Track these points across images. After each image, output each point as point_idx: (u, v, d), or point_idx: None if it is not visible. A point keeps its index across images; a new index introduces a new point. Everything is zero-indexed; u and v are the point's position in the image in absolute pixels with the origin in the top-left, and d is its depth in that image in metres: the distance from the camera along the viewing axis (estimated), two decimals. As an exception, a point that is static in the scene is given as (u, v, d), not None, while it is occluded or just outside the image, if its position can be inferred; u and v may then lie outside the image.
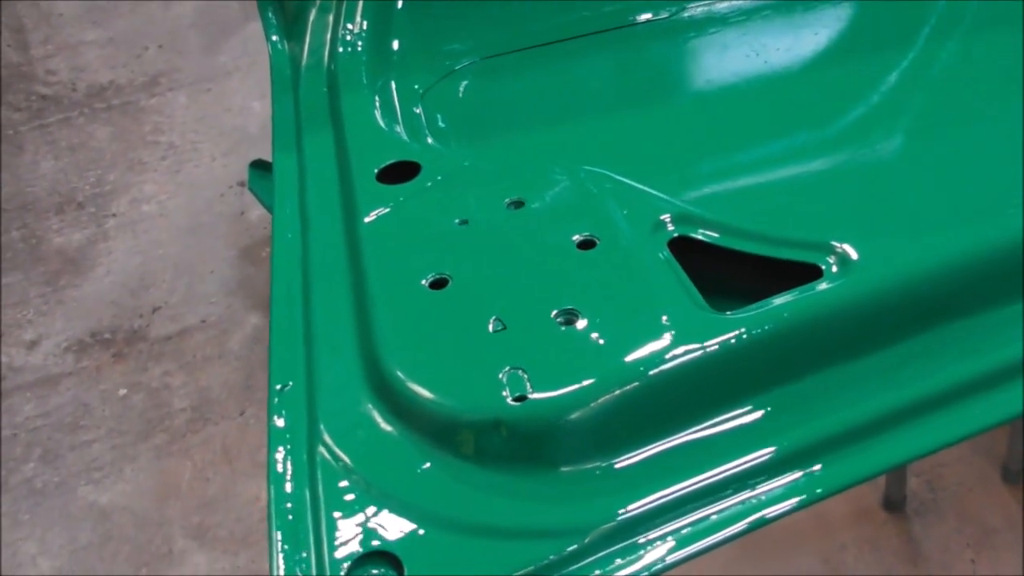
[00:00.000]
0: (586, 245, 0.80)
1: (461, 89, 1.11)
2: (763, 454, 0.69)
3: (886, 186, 0.88)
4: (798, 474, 0.69)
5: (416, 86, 1.08)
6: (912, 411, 0.71)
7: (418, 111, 1.05)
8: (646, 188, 0.86)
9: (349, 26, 1.11)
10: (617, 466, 0.69)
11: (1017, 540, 1.98)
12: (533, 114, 1.08)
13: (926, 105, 0.98)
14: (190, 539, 2.03)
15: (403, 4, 1.17)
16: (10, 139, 2.98)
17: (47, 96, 3.12)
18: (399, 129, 1.00)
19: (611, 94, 1.10)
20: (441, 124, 1.04)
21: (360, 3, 1.13)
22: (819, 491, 0.68)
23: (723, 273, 0.80)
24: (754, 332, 0.71)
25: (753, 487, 0.68)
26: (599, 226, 0.81)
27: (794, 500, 0.68)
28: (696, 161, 0.96)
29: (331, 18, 1.12)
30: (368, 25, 1.12)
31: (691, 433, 0.70)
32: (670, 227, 0.81)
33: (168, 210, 2.75)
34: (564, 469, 0.68)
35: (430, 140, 1.00)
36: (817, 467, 0.69)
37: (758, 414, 0.71)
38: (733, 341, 0.70)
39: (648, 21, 1.16)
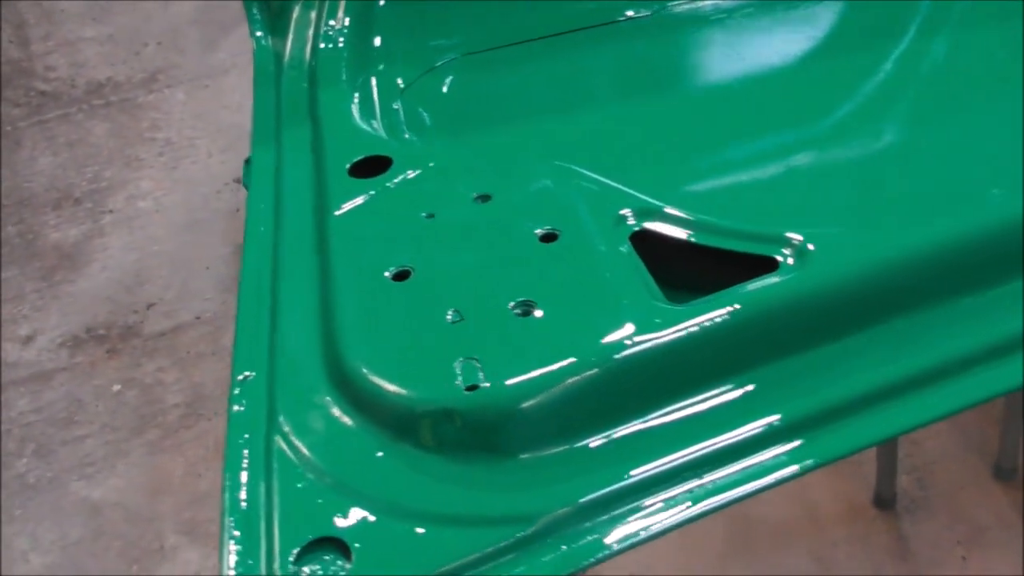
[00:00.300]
0: (548, 238, 0.81)
1: (442, 85, 1.11)
2: (713, 443, 0.69)
3: (846, 180, 0.88)
4: (751, 461, 0.69)
5: (397, 81, 1.09)
6: (861, 403, 0.71)
7: (397, 106, 1.06)
8: (614, 183, 0.87)
9: (331, 23, 1.12)
10: (575, 453, 0.69)
11: (1009, 538, 1.97)
12: (512, 110, 1.08)
13: (888, 104, 0.98)
14: (182, 535, 2.04)
15: (385, 1, 1.17)
16: (8, 135, 3.00)
17: (46, 92, 3.13)
18: (376, 124, 1.01)
19: (590, 90, 1.10)
20: (420, 119, 1.05)
21: (342, 0, 1.14)
22: (771, 479, 0.68)
23: (685, 266, 0.80)
24: (704, 323, 0.71)
25: (701, 475, 0.68)
26: (562, 219, 0.82)
27: (748, 487, 0.68)
28: (666, 157, 0.96)
29: (314, 15, 1.12)
30: (350, 22, 1.13)
31: (647, 421, 0.71)
32: (632, 221, 0.82)
33: (164, 206, 2.75)
34: (521, 456, 0.68)
35: (407, 135, 1.01)
36: (770, 455, 0.69)
37: (711, 403, 0.72)
38: (683, 332, 0.71)
39: (631, 18, 1.16)
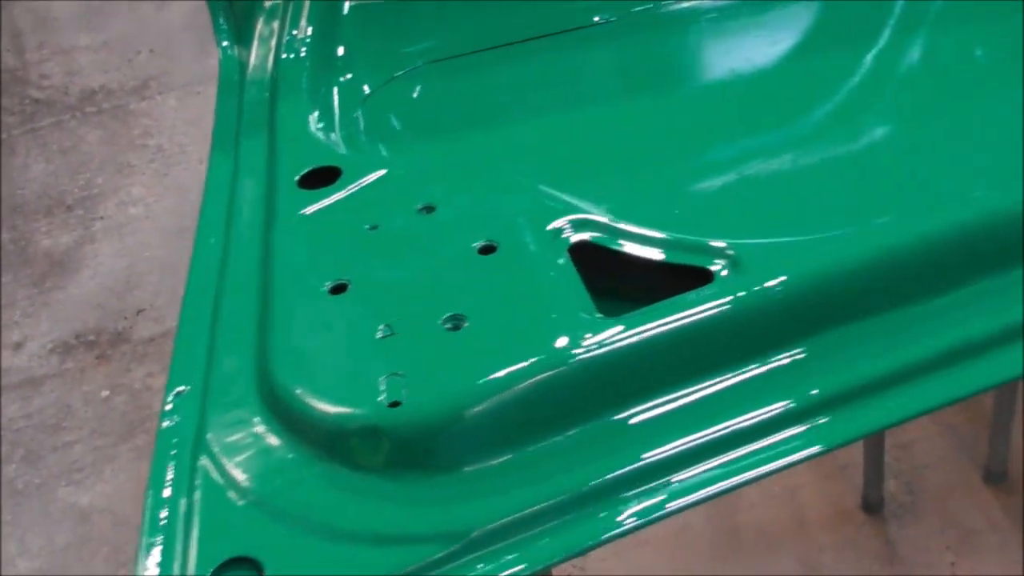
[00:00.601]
0: (487, 250, 0.80)
1: (404, 93, 1.11)
2: (649, 456, 0.68)
3: (788, 190, 0.87)
4: (686, 474, 0.68)
5: (359, 90, 1.08)
6: (791, 417, 0.70)
7: (357, 115, 1.05)
8: (561, 193, 0.85)
9: (294, 32, 1.11)
10: (506, 467, 0.68)
11: (999, 543, 1.95)
12: (470, 118, 1.07)
13: (836, 115, 0.97)
14: (168, 540, 2.04)
15: (349, 10, 1.17)
16: (3, 143, 3.01)
17: (40, 100, 3.14)
18: (334, 134, 1.00)
19: (548, 97, 1.09)
20: (379, 128, 1.04)
21: (305, 9, 1.13)
22: (705, 494, 0.67)
23: (625, 278, 0.79)
24: (630, 337, 0.70)
25: (639, 486, 0.67)
26: (503, 231, 0.81)
27: (679, 502, 0.67)
28: (618, 166, 0.95)
29: (276, 24, 1.12)
30: (313, 31, 1.12)
31: (571, 435, 0.69)
32: (574, 232, 0.80)
33: (155, 213, 2.76)
34: (451, 471, 0.67)
35: (364, 145, 1.00)
36: (687, 475, 0.67)
37: (642, 416, 0.70)
38: (607, 345, 0.69)
39: (597, 24, 1.15)
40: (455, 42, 1.15)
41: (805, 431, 0.69)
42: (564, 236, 0.80)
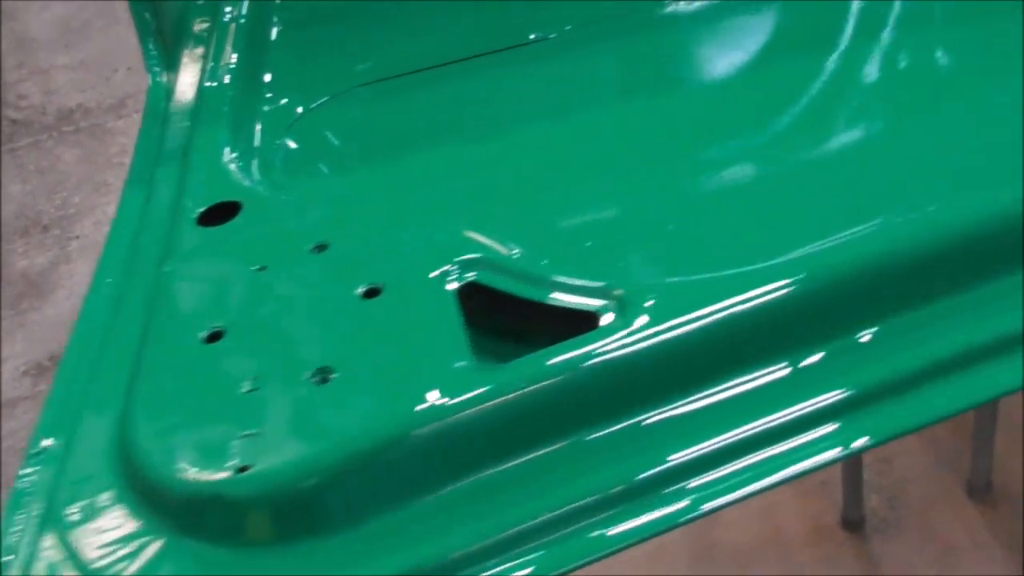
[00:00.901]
0: (371, 294, 0.75)
1: (329, 119, 1.05)
2: (537, 512, 0.63)
3: (686, 230, 0.81)
4: (574, 528, 0.63)
5: (282, 118, 1.04)
6: (684, 472, 0.65)
7: (278, 144, 1.00)
8: (463, 229, 0.81)
9: (219, 59, 1.07)
10: (373, 534, 0.62)
11: (982, 558, 1.91)
12: (390, 145, 1.02)
13: (745, 157, 0.91)
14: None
15: (278, 35, 1.13)
16: (-20, 164, 2.99)
17: (17, 120, 3.12)
18: (248, 166, 0.95)
19: (472, 123, 1.04)
20: (295, 158, 0.99)
21: (231, 35, 1.10)
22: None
23: (516, 322, 0.74)
24: (506, 388, 0.65)
25: (523, 544, 0.62)
26: (391, 272, 0.76)
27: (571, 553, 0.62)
28: (533, 197, 0.89)
29: (202, 51, 1.08)
30: (238, 58, 1.08)
31: (439, 493, 0.64)
32: (466, 273, 0.75)
33: (131, 232, 2.73)
34: (308, 540, 0.61)
35: (275, 176, 0.95)
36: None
37: (521, 468, 0.65)
38: (483, 398, 0.64)
39: (534, 41, 1.11)
40: (386, 65, 1.11)
41: (665, 496, 0.64)
42: (453, 277, 0.74)
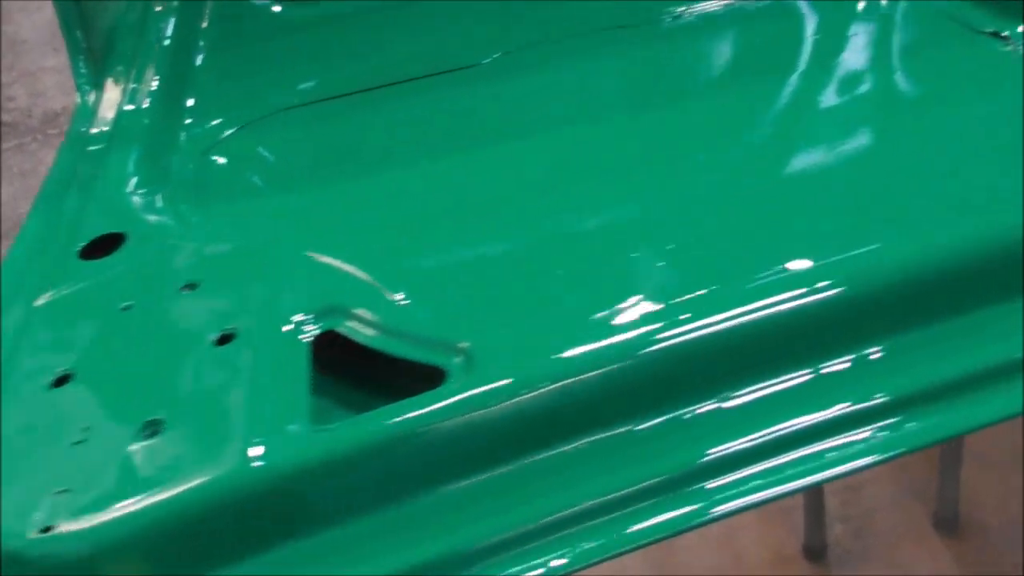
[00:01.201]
0: (224, 340, 0.72)
1: (245, 147, 1.02)
2: None
3: (551, 277, 0.78)
4: None
5: (198, 144, 1.01)
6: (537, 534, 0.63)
7: (187, 172, 0.97)
8: (341, 269, 0.78)
9: (140, 83, 1.05)
10: None
11: (947, 592, 1.88)
12: (295, 175, 0.98)
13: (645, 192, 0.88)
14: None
15: (202, 61, 1.11)
16: (-35, 167, 2.99)
17: (4, 123, 3.12)
18: (157, 194, 0.92)
19: (383, 154, 1.00)
20: (200, 186, 0.95)
21: (154, 58, 1.08)
22: None
23: (370, 374, 0.71)
24: (325, 452, 0.62)
25: None
26: (249, 318, 0.73)
27: None
28: (421, 236, 0.86)
29: (127, 73, 1.06)
30: (159, 82, 1.06)
31: (254, 558, 0.61)
32: (321, 321, 0.72)
33: (110, 237, 2.73)
34: None
35: (170, 207, 0.92)
36: None
37: (355, 534, 0.62)
38: (310, 459, 0.61)
39: (458, 70, 1.08)
40: (309, 90, 1.09)
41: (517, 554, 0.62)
42: (310, 326, 0.71)
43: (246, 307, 0.74)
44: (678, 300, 0.69)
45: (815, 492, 1.86)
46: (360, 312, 0.72)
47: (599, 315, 0.70)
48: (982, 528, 1.94)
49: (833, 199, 0.82)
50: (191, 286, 0.77)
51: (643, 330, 0.67)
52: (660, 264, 0.76)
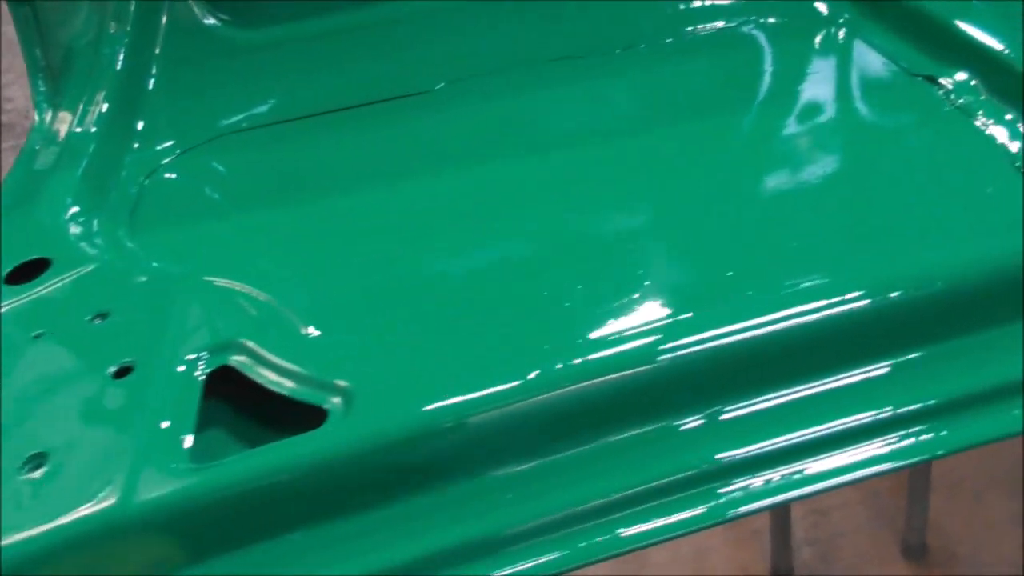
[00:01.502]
0: (122, 373, 0.72)
1: (189, 171, 1.02)
2: None
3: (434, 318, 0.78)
4: None
5: (142, 169, 1.02)
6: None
7: (130, 196, 0.98)
8: (259, 299, 0.78)
9: (91, 105, 1.06)
10: None
11: (912, 619, 1.88)
12: (232, 200, 0.99)
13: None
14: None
15: (154, 84, 1.12)
16: (-39, 166, 3.02)
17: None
18: (94, 220, 0.93)
19: (330, 179, 1.00)
20: (146, 211, 0.96)
21: (106, 80, 1.08)
22: None
23: (264, 411, 0.71)
24: (205, 489, 0.62)
25: None
26: (151, 350, 0.74)
27: None
28: (339, 268, 0.86)
29: (80, 94, 1.07)
30: (109, 106, 1.06)
31: None
32: (218, 356, 0.73)
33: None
34: None
35: (103, 232, 0.92)
36: None
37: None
38: (182, 498, 0.62)
39: (414, 95, 1.09)
40: (260, 115, 1.09)
41: None
42: (205, 361, 0.72)
43: (149, 339, 0.75)
44: (572, 346, 0.70)
45: (782, 515, 1.86)
46: (254, 347, 0.73)
47: (493, 358, 0.71)
48: (949, 556, 1.94)
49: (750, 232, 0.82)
50: (102, 315, 0.78)
51: (528, 377, 0.67)
52: (572, 303, 0.76)
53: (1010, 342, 0.73)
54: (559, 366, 0.67)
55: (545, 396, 0.66)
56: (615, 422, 0.68)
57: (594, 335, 0.71)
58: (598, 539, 0.65)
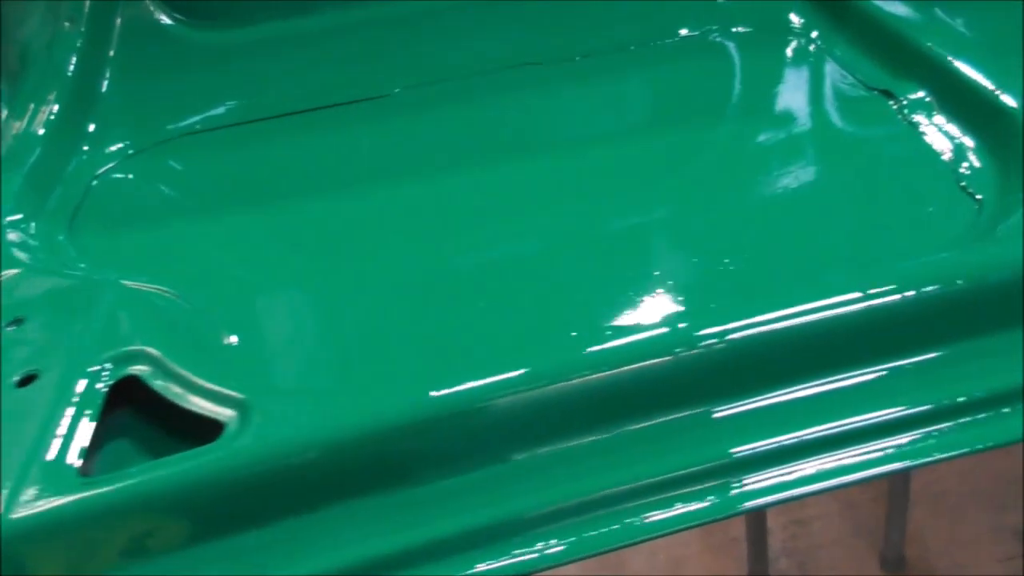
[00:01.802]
0: (26, 381, 0.70)
1: (136, 174, 1.00)
2: None
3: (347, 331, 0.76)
4: None
5: (89, 173, 1.01)
6: None
7: (74, 198, 0.96)
8: (180, 306, 0.77)
9: (43, 106, 1.05)
10: None
11: (888, 633, 1.87)
12: (181, 205, 0.99)
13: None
14: None
15: (108, 86, 1.11)
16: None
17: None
18: (33, 224, 0.92)
19: (279, 183, 0.99)
20: (88, 216, 0.95)
21: (58, 82, 1.06)
22: None
23: (170, 423, 0.69)
24: (96, 504, 0.61)
25: None
26: (58, 357, 0.72)
27: None
28: (277, 275, 0.84)
29: (33, 96, 1.06)
30: (60, 108, 1.04)
31: None
32: (123, 366, 0.71)
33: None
34: None
35: (59, 238, 0.92)
36: None
37: None
38: (65, 512, 0.60)
39: (378, 98, 1.08)
40: (214, 117, 1.08)
41: None
42: (109, 371, 0.71)
43: (59, 346, 0.74)
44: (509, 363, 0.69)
45: (759, 525, 1.85)
46: (160, 356, 0.72)
47: (407, 372, 0.70)
48: (928, 570, 1.92)
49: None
50: (17, 321, 0.77)
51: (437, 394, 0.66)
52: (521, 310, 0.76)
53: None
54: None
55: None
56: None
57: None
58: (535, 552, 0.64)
